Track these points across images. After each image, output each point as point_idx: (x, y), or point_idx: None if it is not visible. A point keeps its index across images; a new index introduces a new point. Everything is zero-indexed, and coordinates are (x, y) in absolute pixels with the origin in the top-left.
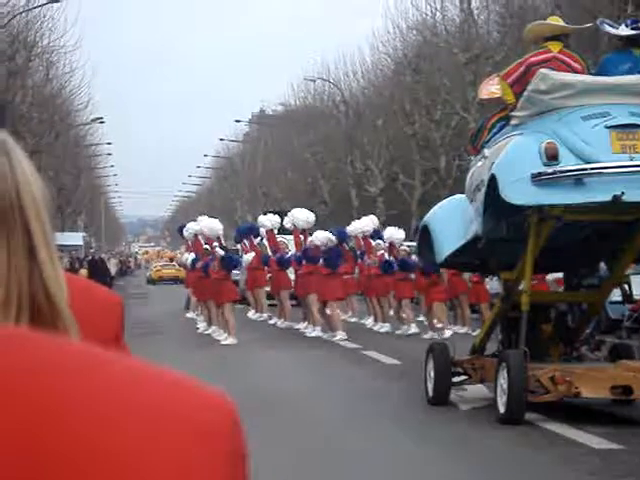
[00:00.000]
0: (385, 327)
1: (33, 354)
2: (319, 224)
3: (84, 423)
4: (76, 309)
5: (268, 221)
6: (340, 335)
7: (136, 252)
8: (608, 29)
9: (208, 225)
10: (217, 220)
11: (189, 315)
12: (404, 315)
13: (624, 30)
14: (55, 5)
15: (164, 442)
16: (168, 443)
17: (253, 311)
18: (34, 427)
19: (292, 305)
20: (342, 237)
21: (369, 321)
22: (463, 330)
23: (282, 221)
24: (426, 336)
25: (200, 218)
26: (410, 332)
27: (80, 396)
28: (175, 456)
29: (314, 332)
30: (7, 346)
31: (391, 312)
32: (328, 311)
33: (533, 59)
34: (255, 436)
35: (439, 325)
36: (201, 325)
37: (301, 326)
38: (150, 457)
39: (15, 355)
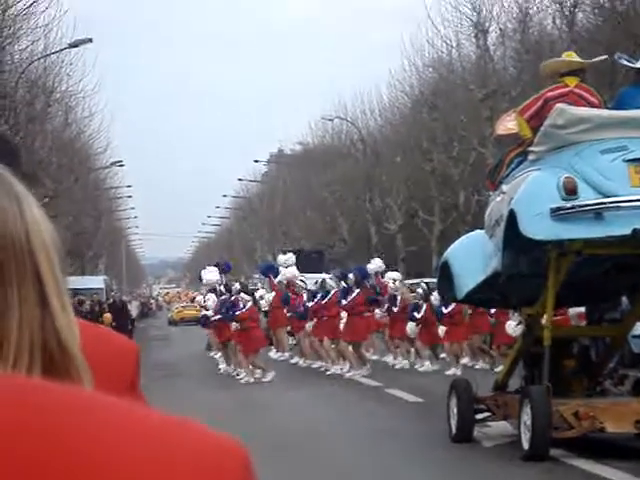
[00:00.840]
0: (402, 363)
1: (44, 398)
2: (338, 262)
3: (92, 464)
4: (90, 356)
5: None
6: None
7: (157, 294)
8: (625, 63)
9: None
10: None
11: (211, 355)
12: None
13: None
14: (73, 50)
15: None
16: None
17: (275, 350)
18: (45, 466)
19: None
20: (363, 275)
21: (390, 359)
22: (486, 366)
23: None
24: (449, 372)
25: (203, 272)
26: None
27: (87, 437)
28: None
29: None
30: (19, 393)
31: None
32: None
33: (550, 94)
34: (278, 477)
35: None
36: (222, 366)
37: (323, 365)
38: None
39: (26, 399)
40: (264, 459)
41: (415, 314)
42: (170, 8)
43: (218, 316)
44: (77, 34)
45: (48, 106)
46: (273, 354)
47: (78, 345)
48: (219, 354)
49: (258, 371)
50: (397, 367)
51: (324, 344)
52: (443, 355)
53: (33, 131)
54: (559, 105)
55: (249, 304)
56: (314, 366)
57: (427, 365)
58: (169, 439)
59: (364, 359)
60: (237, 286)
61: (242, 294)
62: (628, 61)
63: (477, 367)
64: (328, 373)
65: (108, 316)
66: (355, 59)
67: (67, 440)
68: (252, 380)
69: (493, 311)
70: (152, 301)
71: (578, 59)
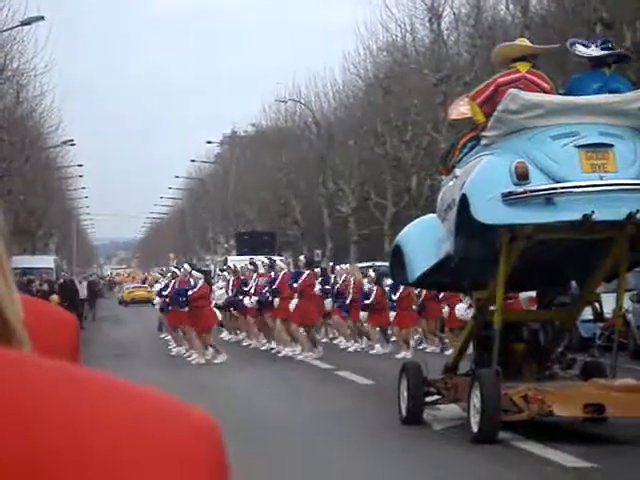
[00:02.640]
0: (355, 346)
1: (28, 372)
2: (291, 244)
3: (66, 441)
4: (29, 328)
5: None
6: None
7: (109, 274)
8: (579, 49)
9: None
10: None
11: (162, 336)
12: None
13: (594, 50)
14: (25, 28)
15: (143, 464)
16: (147, 466)
17: (226, 332)
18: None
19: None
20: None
21: (342, 342)
22: (437, 349)
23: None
24: (399, 356)
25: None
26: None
27: (61, 413)
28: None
29: (295, 352)
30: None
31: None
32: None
33: (501, 79)
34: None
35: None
36: (174, 347)
37: (275, 347)
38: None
39: (10, 374)
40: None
41: (366, 302)
42: None
43: (168, 291)
44: (29, 12)
45: None
46: (224, 335)
47: (19, 315)
48: (169, 336)
49: (210, 351)
50: (350, 350)
51: (276, 326)
52: (394, 338)
53: None
54: (512, 90)
55: (200, 282)
56: (263, 348)
57: (378, 348)
58: (135, 415)
59: (315, 341)
60: (187, 266)
61: (194, 272)
62: (584, 45)
63: (428, 350)
64: (280, 355)
65: (55, 297)
66: (310, 42)
67: (54, 416)
68: (203, 361)
69: (441, 295)
70: (103, 282)
71: (529, 44)
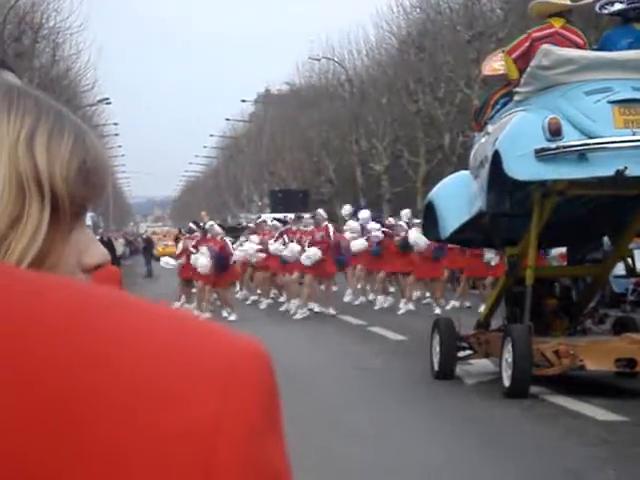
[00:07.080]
0: (388, 301)
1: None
2: (325, 203)
3: (126, 361)
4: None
5: None
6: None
7: (145, 232)
8: (607, 9)
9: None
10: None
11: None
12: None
13: (622, 5)
14: None
15: (202, 387)
16: (206, 388)
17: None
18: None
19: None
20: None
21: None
22: (467, 304)
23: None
24: (437, 312)
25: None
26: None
27: (120, 337)
28: (213, 401)
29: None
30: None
31: (391, 289)
32: (322, 287)
33: (536, 34)
34: None
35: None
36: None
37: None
38: (186, 401)
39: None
40: None
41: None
42: None
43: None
44: None
45: (36, 42)
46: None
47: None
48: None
49: (227, 309)
50: (386, 305)
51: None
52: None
53: (20, 67)
54: (544, 46)
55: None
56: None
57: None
58: (197, 342)
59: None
60: (210, 223)
61: (215, 227)
62: (616, 3)
63: (467, 305)
64: (316, 311)
65: None
66: None
67: (77, 338)
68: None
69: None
70: (139, 239)
71: (564, 1)
